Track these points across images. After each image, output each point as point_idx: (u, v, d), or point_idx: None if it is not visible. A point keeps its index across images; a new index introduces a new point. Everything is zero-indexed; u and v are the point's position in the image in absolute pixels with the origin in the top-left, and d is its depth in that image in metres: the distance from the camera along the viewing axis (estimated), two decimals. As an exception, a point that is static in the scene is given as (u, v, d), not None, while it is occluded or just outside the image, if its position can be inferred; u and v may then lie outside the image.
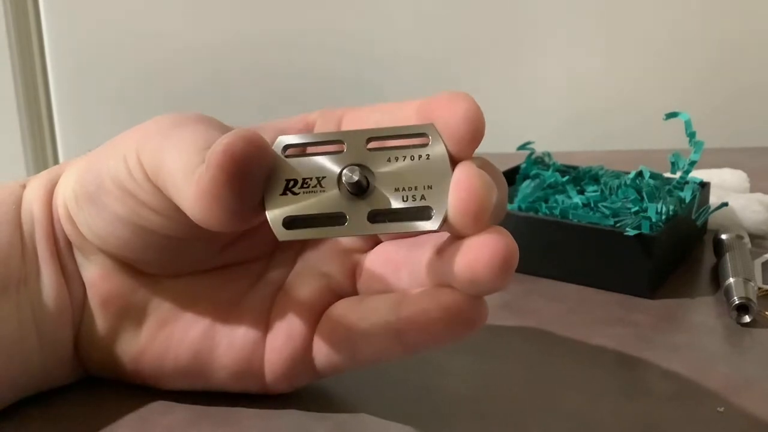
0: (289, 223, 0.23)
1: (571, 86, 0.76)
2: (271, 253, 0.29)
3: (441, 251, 0.24)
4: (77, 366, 0.30)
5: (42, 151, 0.78)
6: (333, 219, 0.22)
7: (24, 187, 0.30)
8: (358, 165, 0.22)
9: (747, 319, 0.35)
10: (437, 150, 0.22)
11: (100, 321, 0.29)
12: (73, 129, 0.77)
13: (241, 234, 0.28)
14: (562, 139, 0.73)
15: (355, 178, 0.22)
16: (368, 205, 0.22)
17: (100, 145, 0.28)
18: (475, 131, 0.22)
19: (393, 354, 0.26)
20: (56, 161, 0.78)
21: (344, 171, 0.22)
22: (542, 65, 0.76)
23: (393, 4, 0.75)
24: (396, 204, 0.22)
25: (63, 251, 0.29)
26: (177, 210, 0.24)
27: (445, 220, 0.22)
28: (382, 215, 0.22)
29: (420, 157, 0.22)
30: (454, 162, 0.22)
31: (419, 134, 0.23)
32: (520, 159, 0.49)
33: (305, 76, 0.76)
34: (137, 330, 0.29)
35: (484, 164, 0.23)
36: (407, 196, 0.22)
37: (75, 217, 0.28)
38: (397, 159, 0.22)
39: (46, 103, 0.77)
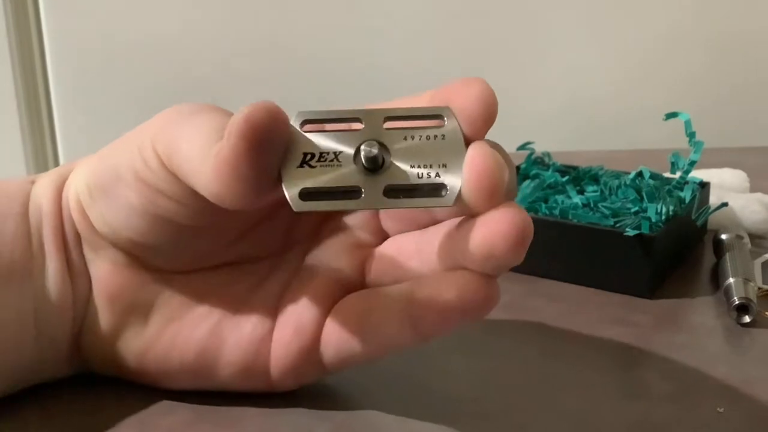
0: (305, 195, 0.23)
1: (571, 86, 0.76)
2: (280, 252, 0.29)
3: (452, 234, 0.24)
4: (74, 360, 0.30)
5: (42, 151, 0.78)
6: (349, 193, 0.23)
7: (33, 182, 0.30)
8: (375, 141, 0.23)
9: (747, 319, 0.36)
10: (452, 129, 0.23)
11: (106, 317, 0.29)
12: (73, 129, 0.77)
13: (250, 228, 0.29)
14: (562, 139, 0.73)
15: (374, 152, 0.22)
16: (384, 180, 0.23)
17: (105, 144, 0.28)
18: (488, 111, 0.23)
19: (405, 341, 0.26)
20: (56, 161, 0.78)
21: (362, 146, 0.23)
22: (542, 65, 0.76)
23: (393, 5, 0.75)
24: (411, 180, 0.23)
25: (70, 246, 0.29)
26: (192, 195, 0.25)
27: (459, 197, 0.22)
28: (398, 191, 0.23)
29: (435, 136, 0.23)
30: (467, 142, 0.23)
31: (435, 115, 0.23)
32: (519, 159, 0.49)
33: (307, 77, 0.76)
34: (143, 326, 0.29)
35: (495, 146, 0.23)
36: (422, 173, 0.23)
37: (88, 210, 0.28)
38: (413, 137, 0.23)
39: (46, 103, 0.77)
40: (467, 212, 0.23)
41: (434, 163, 0.23)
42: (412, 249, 0.27)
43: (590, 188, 0.44)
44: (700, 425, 0.28)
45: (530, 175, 0.47)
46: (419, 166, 0.23)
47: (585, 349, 0.34)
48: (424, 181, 0.23)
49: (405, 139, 0.23)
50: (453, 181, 0.22)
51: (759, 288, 0.38)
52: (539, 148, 0.50)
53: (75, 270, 0.29)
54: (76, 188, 0.29)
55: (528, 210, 0.42)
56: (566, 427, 0.28)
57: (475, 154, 0.22)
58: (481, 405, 0.30)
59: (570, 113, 0.76)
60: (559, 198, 0.43)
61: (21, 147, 0.77)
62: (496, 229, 0.22)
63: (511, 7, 0.75)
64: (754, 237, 0.45)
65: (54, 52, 0.75)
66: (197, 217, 0.26)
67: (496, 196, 0.22)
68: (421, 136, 0.23)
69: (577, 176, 0.46)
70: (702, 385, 0.31)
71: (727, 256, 0.40)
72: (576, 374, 0.32)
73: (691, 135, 0.43)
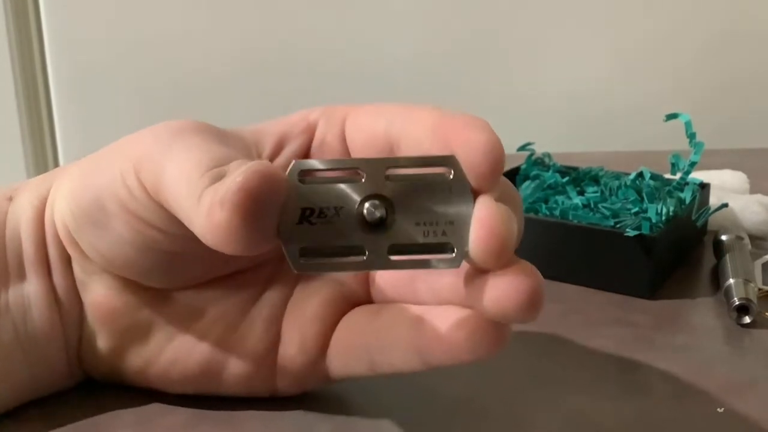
0: (306, 254, 0.22)
1: (571, 87, 0.76)
2: (277, 258, 0.29)
3: (465, 276, 0.23)
4: (75, 375, 0.30)
5: (42, 151, 0.78)
6: (351, 251, 0.22)
7: (10, 199, 0.29)
8: (378, 196, 0.22)
9: (747, 319, 0.35)
10: (459, 184, 0.22)
11: (103, 339, 0.28)
12: (73, 129, 0.77)
13: None
14: (562, 140, 0.73)
15: (378, 214, 0.21)
16: (388, 238, 0.22)
17: (105, 145, 0.28)
18: (496, 165, 0.21)
19: (411, 367, 0.25)
20: (56, 161, 0.78)
21: (366, 205, 0.22)
22: (542, 66, 0.76)
23: (395, 4, 0.75)
24: (417, 239, 0.22)
25: (55, 271, 0.28)
26: (181, 226, 0.24)
27: (465, 256, 0.22)
28: (402, 250, 0.22)
29: (442, 190, 0.22)
30: (475, 194, 0.22)
31: (439, 164, 0.22)
32: (520, 160, 0.49)
33: (310, 75, 0.76)
34: (144, 345, 0.28)
35: (502, 194, 0.22)
36: (428, 231, 0.22)
37: (77, 237, 0.27)
38: (417, 191, 0.22)
39: (46, 103, 0.77)
40: (477, 268, 0.22)
41: (440, 220, 0.22)
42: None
43: (590, 189, 0.44)
44: (700, 425, 0.28)
45: (530, 176, 0.47)
46: (425, 224, 0.22)
47: (585, 348, 0.34)
48: (430, 239, 0.22)
49: (409, 193, 0.22)
50: (459, 240, 0.21)
51: (759, 289, 0.38)
52: (539, 149, 0.50)
53: (61, 295, 0.28)
54: (61, 213, 0.27)
55: (528, 210, 0.42)
56: (566, 427, 0.28)
57: (482, 213, 0.21)
58: (480, 405, 0.30)
59: (571, 114, 0.77)
60: (560, 199, 0.43)
61: (21, 147, 0.77)
62: (508, 294, 0.21)
63: (512, 8, 0.75)
64: (754, 238, 0.45)
65: (54, 52, 0.75)
66: (189, 245, 0.25)
67: (505, 256, 0.21)
68: (426, 190, 0.22)
69: (578, 177, 0.46)
70: (702, 385, 0.31)
71: (728, 257, 0.40)
72: (576, 374, 0.32)
73: (691, 136, 0.43)
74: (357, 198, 0.22)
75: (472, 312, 0.23)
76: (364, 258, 0.22)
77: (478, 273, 0.22)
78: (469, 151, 0.22)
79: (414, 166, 0.22)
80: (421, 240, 0.22)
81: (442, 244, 0.22)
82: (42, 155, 0.79)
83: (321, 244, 0.22)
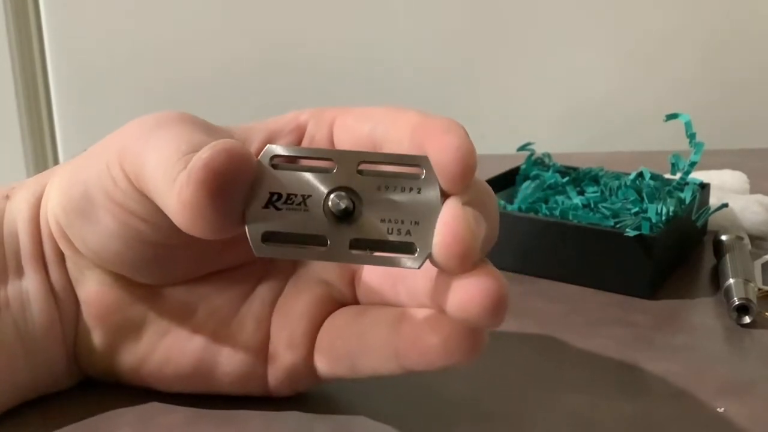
0: (268, 238, 0.22)
1: (571, 88, 0.77)
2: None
3: (435, 279, 0.23)
4: (74, 374, 0.30)
5: (42, 151, 0.78)
6: (313, 241, 0.22)
7: (7, 198, 0.29)
8: (347, 188, 0.22)
9: (747, 319, 0.36)
10: (429, 185, 0.22)
11: (98, 335, 0.28)
12: (73, 129, 0.77)
13: (234, 237, 0.28)
14: (562, 140, 0.73)
15: (343, 205, 0.22)
16: (352, 232, 0.22)
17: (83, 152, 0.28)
18: (466, 169, 0.21)
19: (391, 371, 0.25)
20: (56, 161, 0.78)
21: (332, 196, 0.22)
22: (542, 68, 0.76)
23: (394, 4, 0.75)
24: (381, 235, 0.22)
25: (51, 267, 0.28)
26: (165, 216, 0.24)
27: (428, 258, 0.22)
28: (365, 245, 0.22)
29: (411, 189, 0.22)
30: (444, 196, 0.22)
31: (412, 164, 0.22)
32: (520, 160, 0.49)
33: (307, 78, 0.76)
34: (137, 342, 0.28)
35: (474, 198, 0.22)
36: (392, 229, 0.22)
37: (69, 233, 0.27)
38: (387, 188, 0.22)
39: (46, 103, 0.77)
40: (440, 270, 0.22)
41: (407, 219, 0.22)
42: (398, 272, 0.26)
43: (590, 189, 0.44)
44: (700, 425, 0.28)
45: (530, 176, 0.47)
46: (390, 221, 0.22)
47: (585, 349, 0.34)
48: (394, 238, 0.22)
49: (379, 189, 0.22)
50: (423, 242, 0.21)
51: (759, 289, 0.38)
52: (539, 150, 0.50)
53: (58, 291, 0.28)
54: (53, 209, 0.27)
55: (528, 210, 0.42)
56: (566, 427, 0.28)
57: (448, 216, 0.21)
58: (480, 405, 0.30)
59: (570, 115, 0.77)
60: (560, 199, 0.43)
61: (21, 147, 0.77)
62: (470, 297, 0.21)
63: (511, 10, 0.75)
64: (754, 238, 0.45)
65: (54, 51, 0.75)
66: (174, 236, 0.25)
67: (468, 261, 0.21)
68: (395, 187, 0.22)
69: (577, 177, 0.46)
70: (702, 385, 0.31)
71: (727, 257, 0.40)
72: (576, 374, 0.32)
73: (691, 136, 0.43)
74: (325, 189, 0.22)
75: (444, 318, 0.23)
76: (325, 248, 0.22)
77: (445, 276, 0.22)
78: (440, 153, 0.22)
79: (387, 163, 0.22)
80: (385, 237, 0.22)
81: (405, 243, 0.22)
82: (42, 155, 0.79)
83: (285, 230, 0.22)
